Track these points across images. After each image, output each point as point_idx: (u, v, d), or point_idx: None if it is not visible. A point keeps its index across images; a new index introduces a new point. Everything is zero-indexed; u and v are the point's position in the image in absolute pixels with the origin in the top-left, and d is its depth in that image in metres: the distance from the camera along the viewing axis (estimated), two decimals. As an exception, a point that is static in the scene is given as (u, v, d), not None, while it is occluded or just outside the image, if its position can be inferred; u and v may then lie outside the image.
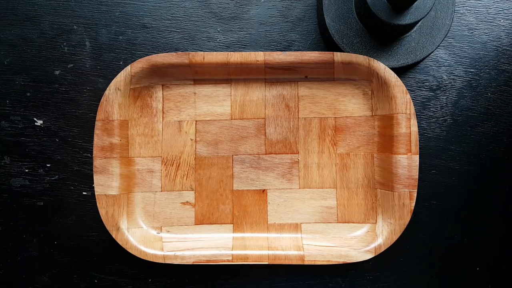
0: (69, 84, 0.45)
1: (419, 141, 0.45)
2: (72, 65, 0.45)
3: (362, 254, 0.41)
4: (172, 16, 0.45)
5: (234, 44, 0.45)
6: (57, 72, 0.45)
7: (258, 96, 0.44)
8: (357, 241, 0.42)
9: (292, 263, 0.41)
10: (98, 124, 0.41)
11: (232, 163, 0.43)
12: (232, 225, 0.43)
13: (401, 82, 0.41)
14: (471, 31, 0.45)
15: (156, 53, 0.45)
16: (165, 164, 0.43)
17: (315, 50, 0.45)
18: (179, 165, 0.43)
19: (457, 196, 0.45)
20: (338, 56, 0.41)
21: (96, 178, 0.41)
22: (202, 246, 0.42)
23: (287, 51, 0.44)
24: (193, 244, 0.42)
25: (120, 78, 0.41)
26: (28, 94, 0.45)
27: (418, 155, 0.41)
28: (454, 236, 0.45)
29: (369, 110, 0.43)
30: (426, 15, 0.38)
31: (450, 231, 0.45)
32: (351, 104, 0.43)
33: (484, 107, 0.45)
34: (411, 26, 0.39)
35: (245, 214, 0.43)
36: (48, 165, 0.45)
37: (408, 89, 0.45)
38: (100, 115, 0.41)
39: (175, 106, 0.43)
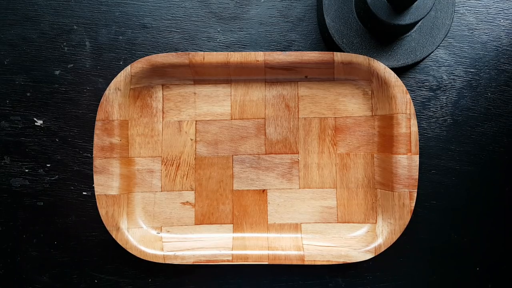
0: (69, 84, 0.45)
1: (419, 141, 0.45)
2: (72, 65, 0.45)
3: (362, 254, 0.41)
4: (172, 16, 0.45)
5: (234, 44, 0.45)
6: (57, 72, 0.45)
7: (258, 96, 0.44)
8: (357, 241, 0.42)
9: (292, 263, 0.41)
10: (98, 124, 0.41)
11: (232, 163, 0.43)
12: (232, 225, 0.43)
13: (401, 82, 0.41)
14: (471, 31, 0.45)
15: (156, 53, 0.45)
16: (165, 164, 0.43)
17: (315, 50, 0.45)
18: (179, 165, 0.43)
19: (457, 196, 0.45)
20: (338, 56, 0.41)
21: (96, 178, 0.41)
22: (202, 246, 0.42)
23: (287, 51, 0.44)
24: (193, 244, 0.42)
25: (120, 78, 0.41)
26: (28, 94, 0.45)
27: (418, 155, 0.41)
28: (454, 236, 0.45)
29: (369, 110, 0.43)
30: (426, 15, 0.38)
31: (450, 231, 0.45)
32: (351, 104, 0.43)
33: (484, 107, 0.45)
34: (411, 26, 0.39)
35: (245, 214, 0.43)
36: (48, 165, 0.45)
37: (408, 89, 0.45)
38: (100, 115, 0.41)
39: (175, 106, 0.43)
